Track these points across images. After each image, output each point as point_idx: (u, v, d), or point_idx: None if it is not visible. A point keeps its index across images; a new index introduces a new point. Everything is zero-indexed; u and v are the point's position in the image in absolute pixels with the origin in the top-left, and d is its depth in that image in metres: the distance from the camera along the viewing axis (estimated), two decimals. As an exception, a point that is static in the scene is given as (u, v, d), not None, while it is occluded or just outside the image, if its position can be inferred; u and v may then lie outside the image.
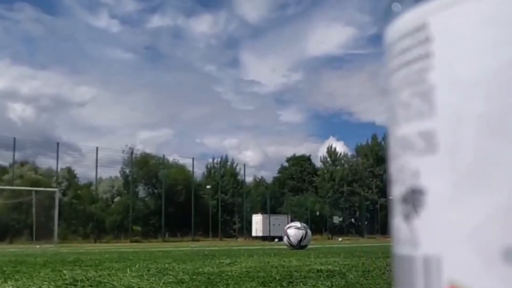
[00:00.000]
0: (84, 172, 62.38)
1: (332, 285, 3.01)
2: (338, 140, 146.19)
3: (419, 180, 0.49)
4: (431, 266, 0.46)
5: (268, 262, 6.09)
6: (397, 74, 0.53)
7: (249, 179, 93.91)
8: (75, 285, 3.81)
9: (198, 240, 55.24)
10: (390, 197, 0.57)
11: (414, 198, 0.50)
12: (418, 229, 0.48)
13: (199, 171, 73.05)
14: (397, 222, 0.53)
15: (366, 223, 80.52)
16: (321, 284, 3.11)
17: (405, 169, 0.51)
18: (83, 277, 4.41)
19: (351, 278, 3.46)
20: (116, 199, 66.45)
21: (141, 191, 68.63)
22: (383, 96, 0.62)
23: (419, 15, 0.50)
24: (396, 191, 0.53)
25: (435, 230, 0.46)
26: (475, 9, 0.47)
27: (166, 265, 6.21)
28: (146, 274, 4.46)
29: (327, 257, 7.15)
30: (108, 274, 4.67)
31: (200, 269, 5.05)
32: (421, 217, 0.48)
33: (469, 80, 0.46)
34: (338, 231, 75.36)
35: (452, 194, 0.46)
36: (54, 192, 41.32)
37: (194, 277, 4.12)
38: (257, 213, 63.69)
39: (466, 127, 0.46)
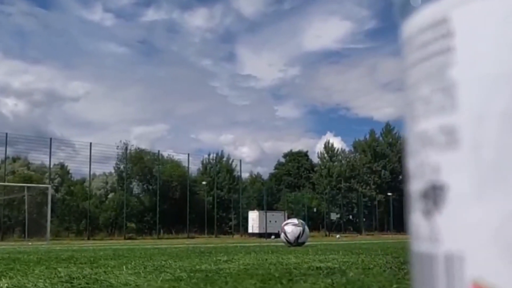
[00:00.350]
0: (78, 168, 62.15)
1: (333, 283, 3.01)
2: (335, 135, 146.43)
3: (440, 176, 0.49)
4: (453, 264, 0.46)
5: (266, 259, 6.10)
6: (416, 68, 0.53)
7: (245, 175, 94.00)
8: (71, 282, 3.81)
9: (193, 237, 55.21)
10: (407, 193, 0.57)
11: (435, 194, 0.50)
12: (440, 225, 0.48)
13: (194, 167, 73.00)
14: (416, 218, 0.53)
15: (364, 219, 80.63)
16: (322, 282, 3.11)
17: (424, 164, 0.52)
18: (79, 275, 4.41)
19: (352, 275, 3.46)
20: (110, 195, 66.36)
21: (135, 188, 68.58)
22: (399, 91, 0.62)
23: (440, 8, 0.50)
24: (415, 187, 0.53)
25: (458, 227, 0.46)
26: (498, 3, 0.47)
27: (163, 262, 6.21)
28: (142, 272, 4.45)
29: (325, 254, 7.16)
30: (104, 272, 4.67)
31: (198, 267, 5.05)
32: (442, 213, 0.48)
33: (492, 75, 0.46)
34: (335, 228, 75.43)
35: (475, 190, 0.46)
36: (46, 188, 41.26)
37: (192, 274, 4.11)
38: (253, 209, 63.69)
39: (489, 122, 0.46)
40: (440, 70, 0.49)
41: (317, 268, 4.17)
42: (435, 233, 0.48)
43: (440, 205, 0.48)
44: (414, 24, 0.53)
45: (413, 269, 0.53)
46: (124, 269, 4.89)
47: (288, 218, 40.73)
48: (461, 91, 0.48)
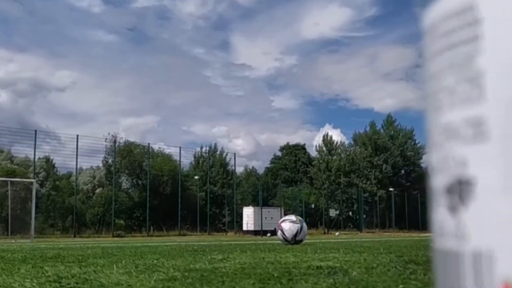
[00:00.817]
0: (64, 161, 61.84)
1: (335, 283, 3.02)
2: (334, 128, 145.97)
3: (466, 170, 0.49)
4: (482, 262, 0.46)
5: (263, 258, 6.11)
6: (440, 57, 0.53)
7: (239, 169, 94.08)
8: (60, 282, 3.81)
9: (185, 235, 55.22)
10: (430, 188, 0.57)
11: (460, 189, 0.50)
12: (466, 222, 0.49)
13: (186, 161, 72.79)
14: (440, 214, 0.53)
15: (364, 216, 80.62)
16: (323, 282, 3.12)
17: (449, 158, 0.52)
18: (67, 274, 4.41)
19: (355, 275, 3.47)
20: (98, 190, 66.30)
21: (124, 182, 68.50)
22: (421, 81, 0.62)
23: (467, -5, 0.50)
24: (439, 181, 0.53)
25: (487, 223, 0.46)
26: (529, -11, 0.47)
27: (155, 261, 6.21)
28: (134, 271, 4.46)
29: (325, 253, 7.17)
30: (94, 271, 4.67)
31: (192, 266, 5.05)
32: (469, 209, 0.48)
33: (522, 64, 0.46)
34: (334, 225, 75.48)
35: (505, 184, 0.46)
36: (31, 183, 41.18)
37: (186, 274, 4.12)
38: (248, 205, 63.62)
39: (520, 113, 0.46)
40: (466, 59, 0.49)
41: (317, 267, 4.18)
42: (462, 229, 0.48)
43: (467, 200, 0.48)
44: (438, 11, 0.53)
45: (436, 267, 0.53)
46: (115, 268, 4.90)
47: (285, 214, 40.73)
48: (489, 81, 0.48)
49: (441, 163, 0.53)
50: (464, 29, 0.51)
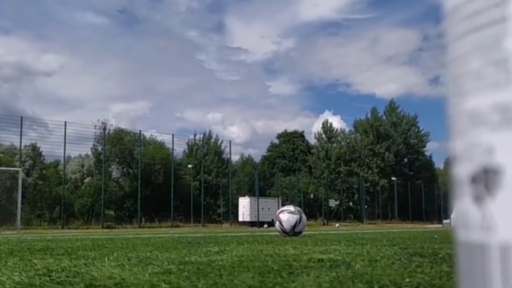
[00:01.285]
0: (51, 149, 61.62)
1: (338, 276, 3.02)
2: (334, 114, 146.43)
3: (493, 158, 0.49)
4: (510, 254, 0.46)
5: (261, 250, 6.12)
6: (464, 40, 0.53)
7: (235, 157, 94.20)
8: (50, 275, 3.82)
9: (178, 226, 55.29)
10: (453, 177, 0.57)
11: (486, 178, 0.49)
12: (493, 212, 0.48)
13: (179, 149, 72.75)
14: (464, 205, 0.52)
15: (365, 207, 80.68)
16: (326, 275, 3.12)
17: (474, 146, 0.51)
18: (57, 267, 4.41)
19: (358, 268, 3.48)
20: (87, 180, 66.30)
21: (115, 171, 68.52)
22: (444, 65, 0.61)
23: (494, -26, 0.50)
24: (463, 170, 0.53)
25: (515, 213, 0.46)
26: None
27: (148, 253, 6.22)
28: (127, 264, 4.46)
29: (326, 245, 7.18)
30: (85, 264, 4.67)
31: (187, 258, 5.06)
32: (496, 199, 0.48)
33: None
34: (334, 216, 75.63)
35: (535, 174, 0.46)
36: (17, 172, 41.12)
37: (182, 267, 4.13)
38: (244, 195, 63.72)
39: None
40: (493, 42, 0.49)
41: (318, 260, 4.19)
42: (488, 221, 0.48)
43: (494, 190, 0.48)
44: (462, -9, 0.53)
45: (460, 260, 0.53)
46: (106, 261, 4.90)
47: (282, 205, 40.79)
48: (518, 65, 0.47)
49: (465, 151, 0.53)
50: (491, 10, 0.51)
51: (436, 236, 8.86)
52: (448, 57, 0.57)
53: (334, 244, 7.60)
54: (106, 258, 5.17)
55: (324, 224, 64.82)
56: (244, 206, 60.14)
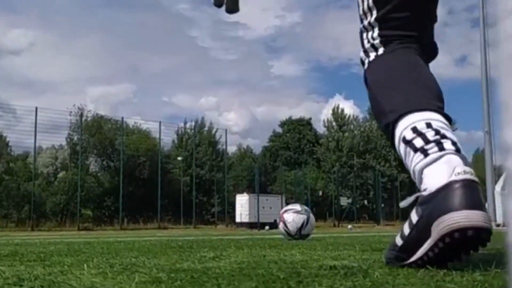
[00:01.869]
0: (19, 139, 61.77)
1: (355, 285, 3.03)
2: (346, 99, 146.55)
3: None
4: None
5: (264, 256, 6.13)
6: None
7: (232, 148, 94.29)
8: (21, 285, 3.81)
9: (166, 228, 55.42)
10: (504, 171, 0.57)
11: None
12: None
13: (167, 139, 72.83)
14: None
15: (382, 205, 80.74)
16: (340, 284, 3.13)
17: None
18: (29, 275, 4.41)
19: (377, 276, 3.48)
20: (60, 174, 66.37)
21: (93, 164, 68.69)
22: (490, 46, 0.61)
23: None
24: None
25: None
26: None
27: (133, 259, 6.21)
28: (109, 272, 4.46)
29: (338, 250, 7.20)
30: (61, 272, 4.67)
31: (178, 265, 5.06)
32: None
33: None
34: (346, 216, 75.72)
35: None
36: (-21, 165, 41.24)
37: (173, 275, 4.12)
38: (242, 192, 63.90)
39: None
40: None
41: (331, 267, 4.19)
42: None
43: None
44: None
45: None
46: (85, 268, 4.90)
47: (287, 203, 40.83)
48: None
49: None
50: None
51: (506, 238, 8.90)
52: (500, 35, 0.57)
53: (348, 249, 7.61)
54: (85, 265, 5.17)
55: (334, 225, 64.95)
56: (242, 205, 60.26)
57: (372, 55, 3.46)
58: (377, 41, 3.41)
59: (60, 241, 15.69)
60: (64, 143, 68.50)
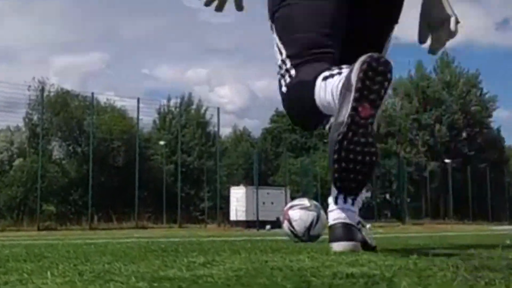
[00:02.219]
0: (-33, 120, 61.89)
1: (378, 297, 3.03)
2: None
3: None
4: None
5: (266, 261, 6.11)
6: None
7: (226, 131, 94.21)
8: (-29, 297, 3.82)
9: (145, 227, 55.21)
10: None
11: None
12: None
13: (147, 119, 72.58)
14: None
15: (408, 200, 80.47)
16: (360, 296, 3.13)
17: None
18: (-19, 285, 4.42)
19: (404, 286, 3.49)
20: (17, 162, 66.21)
21: (57, 150, 68.58)
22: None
23: None
24: None
25: None
26: None
27: (106, 266, 6.19)
28: (78, 280, 4.45)
29: (356, 254, 7.21)
30: (19, 281, 4.66)
31: (162, 273, 5.04)
32: None
33: None
34: (365, 213, 75.45)
35: None
36: None
37: (156, 284, 4.11)
38: (238, 184, 63.82)
39: None
40: None
41: (347, 275, 4.18)
42: None
43: None
44: None
45: None
46: (49, 277, 4.89)
47: (292, 197, 40.71)
48: None
49: None
50: None
51: (509, 242, 8.87)
52: None
53: (367, 253, 7.62)
54: (48, 273, 5.15)
55: (350, 224, 64.82)
56: (238, 200, 59.99)
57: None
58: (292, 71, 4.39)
59: (17, 243, 15.68)
60: (21, 124, 68.35)
